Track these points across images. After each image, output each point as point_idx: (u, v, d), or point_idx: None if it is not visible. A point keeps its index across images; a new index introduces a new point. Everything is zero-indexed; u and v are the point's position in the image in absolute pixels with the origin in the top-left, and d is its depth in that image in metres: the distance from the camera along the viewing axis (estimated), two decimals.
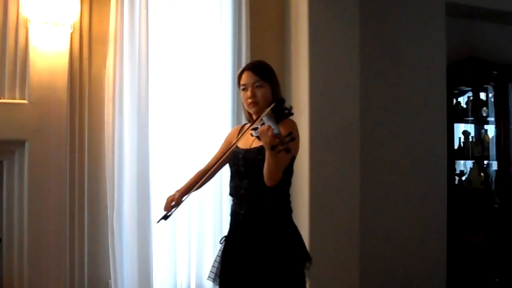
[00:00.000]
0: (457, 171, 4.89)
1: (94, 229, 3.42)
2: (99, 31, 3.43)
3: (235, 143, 2.38)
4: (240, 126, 2.66)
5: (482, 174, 4.87)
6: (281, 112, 2.31)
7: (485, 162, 4.91)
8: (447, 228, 4.39)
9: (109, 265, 3.35)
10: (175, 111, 3.54)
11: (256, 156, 2.28)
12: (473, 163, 4.87)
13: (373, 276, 4.01)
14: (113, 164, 3.33)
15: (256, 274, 2.27)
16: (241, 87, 2.41)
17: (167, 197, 2.49)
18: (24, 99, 3.22)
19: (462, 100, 4.95)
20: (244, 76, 2.40)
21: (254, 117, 2.39)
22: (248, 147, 2.34)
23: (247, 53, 3.66)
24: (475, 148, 4.85)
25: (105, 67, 3.38)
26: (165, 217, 2.42)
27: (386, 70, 4.22)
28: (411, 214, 4.24)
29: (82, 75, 3.40)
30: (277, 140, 1.98)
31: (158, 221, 2.43)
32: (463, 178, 4.88)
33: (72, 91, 3.35)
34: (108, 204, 3.35)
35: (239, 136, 2.46)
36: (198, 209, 3.55)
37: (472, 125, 5.00)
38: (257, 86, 2.35)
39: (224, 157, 2.44)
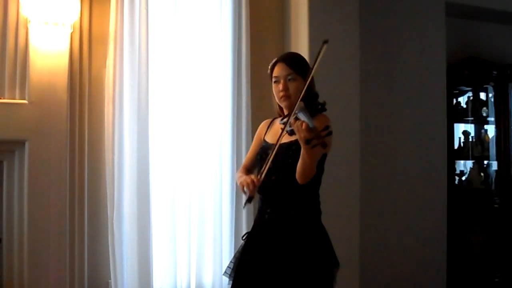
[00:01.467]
0: (457, 171, 4.89)
1: (94, 229, 3.41)
2: (99, 31, 3.43)
3: (278, 139, 2.16)
4: (269, 120, 2.50)
5: (482, 174, 4.87)
6: (314, 107, 2.18)
7: (485, 162, 4.91)
8: (447, 228, 4.39)
9: (109, 265, 3.34)
10: (175, 111, 3.54)
11: (285, 151, 2.18)
12: (473, 163, 4.87)
13: (373, 276, 4.01)
14: (113, 164, 3.33)
15: (276, 276, 2.16)
16: (273, 80, 2.30)
17: (245, 179, 2.15)
18: (24, 99, 3.22)
19: (462, 100, 4.96)
20: (276, 68, 2.29)
21: (286, 111, 2.28)
22: (280, 142, 2.18)
23: (247, 53, 3.66)
24: (475, 148, 4.86)
25: (105, 67, 3.38)
26: (250, 200, 2.14)
27: (386, 70, 4.22)
28: (411, 214, 4.25)
29: (82, 75, 3.40)
30: (313, 134, 1.90)
31: (244, 206, 2.19)
32: (463, 178, 4.88)
33: (72, 91, 3.35)
34: (108, 204, 3.34)
35: (268, 130, 2.36)
36: (198, 209, 3.55)
37: (472, 125, 5.00)
38: (289, 79, 2.25)
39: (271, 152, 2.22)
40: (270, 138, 2.34)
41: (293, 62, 2.30)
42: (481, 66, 4.78)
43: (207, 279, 3.56)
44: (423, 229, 4.26)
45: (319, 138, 1.89)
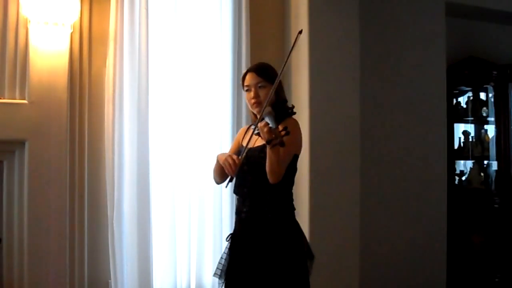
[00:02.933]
0: (457, 171, 4.89)
1: (94, 229, 3.42)
2: (99, 31, 3.43)
3: (248, 141, 2.38)
4: (247, 126, 2.70)
5: (482, 174, 4.87)
6: (282, 111, 2.36)
7: (485, 162, 4.91)
8: (447, 228, 4.39)
9: (109, 265, 3.34)
10: (175, 111, 3.54)
11: (258, 154, 2.33)
12: (473, 163, 4.87)
13: (373, 276, 4.01)
14: (113, 164, 3.33)
15: (258, 271, 2.31)
16: (245, 88, 2.48)
17: (226, 158, 2.32)
18: (24, 99, 3.22)
19: (462, 100, 4.96)
20: (247, 77, 2.46)
21: (258, 116, 2.43)
22: (251, 146, 2.39)
23: (247, 53, 3.66)
24: (475, 148, 4.86)
25: (105, 67, 3.38)
26: (232, 179, 2.36)
27: (386, 70, 4.22)
28: (411, 214, 4.25)
29: (82, 75, 3.40)
30: (273, 135, 2.09)
31: (227, 185, 2.41)
32: (463, 178, 4.88)
33: (72, 91, 3.35)
34: (108, 204, 3.34)
35: (245, 135, 2.52)
36: (198, 209, 3.55)
37: (472, 125, 5.00)
38: (260, 87, 2.41)
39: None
40: (245, 142, 2.47)
41: (262, 70, 2.45)
42: (481, 66, 4.78)
43: (207, 279, 3.56)
44: (423, 229, 4.26)
45: (277, 137, 2.08)
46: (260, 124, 2.15)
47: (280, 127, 2.11)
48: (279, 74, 2.34)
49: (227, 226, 3.58)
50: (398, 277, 4.16)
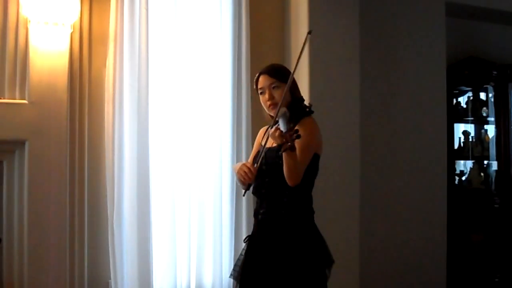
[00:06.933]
0: (457, 171, 4.89)
1: (94, 229, 3.41)
2: (99, 31, 3.43)
3: (265, 143, 2.34)
4: (266, 126, 2.60)
5: (482, 174, 4.87)
6: (299, 111, 2.34)
7: (485, 162, 4.91)
8: (447, 228, 4.39)
9: (109, 265, 3.34)
10: (175, 111, 3.54)
11: (276, 154, 2.27)
12: (473, 163, 4.87)
13: (373, 276, 4.01)
14: (113, 164, 3.33)
15: (273, 274, 2.26)
16: (259, 91, 2.43)
17: (240, 167, 2.32)
18: (24, 99, 3.22)
19: (462, 100, 4.96)
20: (260, 80, 2.42)
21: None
22: (270, 146, 2.34)
23: (247, 53, 3.66)
24: (475, 148, 4.85)
25: (105, 67, 3.38)
26: (249, 188, 2.34)
27: (386, 70, 4.22)
28: (411, 214, 4.24)
29: (82, 75, 3.40)
30: (284, 139, 2.04)
31: (244, 194, 2.36)
32: (463, 178, 4.88)
33: (72, 91, 3.35)
34: (108, 204, 3.34)
35: (264, 136, 2.47)
36: (198, 209, 3.55)
37: (472, 125, 5.00)
38: (273, 88, 2.37)
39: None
40: (263, 142, 2.42)
41: (275, 71, 2.41)
42: (481, 66, 4.77)
43: (207, 279, 3.56)
44: (423, 229, 4.26)
45: (288, 142, 2.04)
46: (270, 130, 2.13)
47: (300, 129, 2.08)
48: (292, 73, 2.29)
49: (227, 226, 3.59)
50: (398, 277, 4.16)
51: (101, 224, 3.40)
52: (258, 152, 2.43)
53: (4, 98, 3.19)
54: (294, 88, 2.40)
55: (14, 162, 3.24)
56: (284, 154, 2.11)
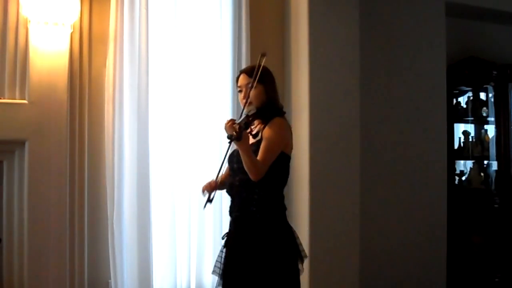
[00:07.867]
0: (457, 171, 4.89)
1: (94, 229, 3.41)
2: (99, 31, 3.43)
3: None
4: None
5: (482, 174, 4.87)
6: (271, 111, 2.44)
7: (485, 162, 4.91)
8: (447, 228, 4.39)
9: (109, 265, 3.34)
10: (175, 111, 3.54)
11: None
12: (473, 163, 4.87)
13: (373, 276, 4.01)
14: (113, 164, 3.33)
15: (248, 270, 2.36)
16: (238, 89, 2.56)
17: (204, 184, 2.53)
18: (24, 99, 3.22)
19: (462, 100, 4.95)
20: (240, 78, 2.54)
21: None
22: None
23: (247, 53, 3.66)
24: (475, 148, 4.85)
25: (105, 67, 3.38)
26: (210, 200, 2.46)
27: (386, 70, 4.22)
28: (411, 214, 4.24)
29: (82, 75, 3.40)
30: (232, 131, 2.20)
31: (204, 207, 2.48)
32: (463, 178, 4.88)
33: (72, 91, 3.35)
34: (108, 204, 3.35)
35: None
36: (198, 209, 3.55)
37: (472, 125, 5.00)
38: (250, 87, 2.44)
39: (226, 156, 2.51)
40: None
41: (252, 72, 2.46)
42: (481, 66, 4.77)
43: (207, 279, 3.56)
44: (423, 229, 4.26)
45: (234, 134, 2.18)
46: (225, 121, 2.27)
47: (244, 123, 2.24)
48: (254, 76, 2.37)
49: (227, 226, 3.57)
50: (398, 277, 4.15)
51: (101, 224, 3.40)
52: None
53: (4, 98, 3.19)
54: (271, 90, 2.49)
55: (14, 162, 3.24)
56: (240, 151, 2.25)
